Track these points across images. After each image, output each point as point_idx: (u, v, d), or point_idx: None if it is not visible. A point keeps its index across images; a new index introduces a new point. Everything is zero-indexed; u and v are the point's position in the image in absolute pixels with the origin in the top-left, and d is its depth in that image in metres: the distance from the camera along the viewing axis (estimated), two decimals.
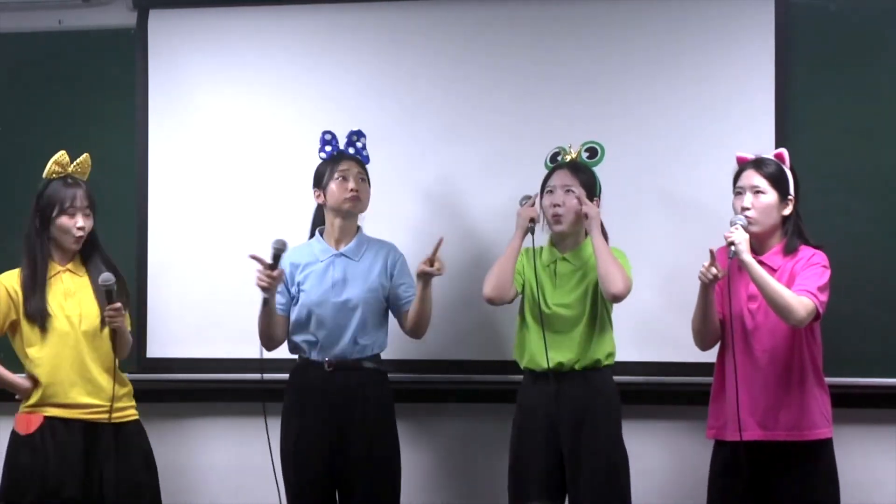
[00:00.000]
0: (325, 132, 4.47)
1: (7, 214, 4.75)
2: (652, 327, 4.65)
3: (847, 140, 4.70)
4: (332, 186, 4.42)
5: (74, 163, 4.37)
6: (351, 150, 4.47)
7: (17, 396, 4.40)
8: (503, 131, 4.86)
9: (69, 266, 4.38)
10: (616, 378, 4.37)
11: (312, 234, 4.56)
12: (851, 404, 4.59)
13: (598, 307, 4.29)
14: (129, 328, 4.46)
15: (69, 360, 4.32)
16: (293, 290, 4.47)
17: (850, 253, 4.61)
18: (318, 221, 4.56)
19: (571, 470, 4.22)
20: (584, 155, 4.36)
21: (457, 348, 4.85)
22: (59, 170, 4.34)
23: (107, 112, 5.04)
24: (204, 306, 4.98)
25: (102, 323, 4.32)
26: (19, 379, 4.38)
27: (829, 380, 4.23)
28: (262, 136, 4.99)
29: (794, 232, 4.17)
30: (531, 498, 4.17)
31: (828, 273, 4.12)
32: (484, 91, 4.89)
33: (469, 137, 4.88)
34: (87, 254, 4.42)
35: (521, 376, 4.43)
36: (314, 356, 4.42)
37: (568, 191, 4.28)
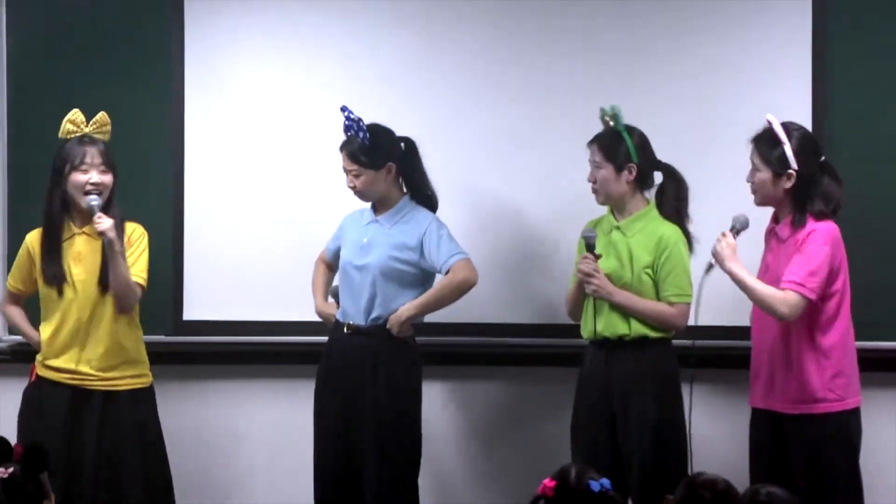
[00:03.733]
0: (343, 109, 4.39)
1: (44, 179, 4.72)
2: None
3: (887, 104, 4.67)
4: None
5: (91, 122, 4.34)
6: (350, 133, 4.40)
7: None
8: (532, 99, 4.86)
9: (86, 229, 4.34)
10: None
11: None
12: (886, 368, 4.63)
13: (643, 280, 4.25)
14: (131, 276, 4.32)
15: (69, 325, 4.31)
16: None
17: (891, 218, 4.63)
18: None
19: (622, 437, 4.26)
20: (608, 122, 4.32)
21: (504, 311, 4.88)
22: (74, 129, 4.31)
23: (143, 75, 4.98)
24: (241, 269, 4.96)
25: (103, 285, 4.29)
26: (31, 331, 4.44)
27: (861, 344, 4.22)
28: (299, 100, 4.96)
29: (799, 206, 4.08)
30: (580, 461, 4.18)
31: (824, 250, 4.01)
32: (514, 57, 4.87)
33: (502, 103, 4.88)
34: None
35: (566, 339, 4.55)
36: (340, 318, 4.47)
37: (597, 167, 4.28)
